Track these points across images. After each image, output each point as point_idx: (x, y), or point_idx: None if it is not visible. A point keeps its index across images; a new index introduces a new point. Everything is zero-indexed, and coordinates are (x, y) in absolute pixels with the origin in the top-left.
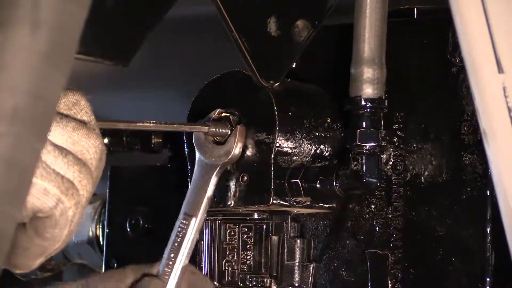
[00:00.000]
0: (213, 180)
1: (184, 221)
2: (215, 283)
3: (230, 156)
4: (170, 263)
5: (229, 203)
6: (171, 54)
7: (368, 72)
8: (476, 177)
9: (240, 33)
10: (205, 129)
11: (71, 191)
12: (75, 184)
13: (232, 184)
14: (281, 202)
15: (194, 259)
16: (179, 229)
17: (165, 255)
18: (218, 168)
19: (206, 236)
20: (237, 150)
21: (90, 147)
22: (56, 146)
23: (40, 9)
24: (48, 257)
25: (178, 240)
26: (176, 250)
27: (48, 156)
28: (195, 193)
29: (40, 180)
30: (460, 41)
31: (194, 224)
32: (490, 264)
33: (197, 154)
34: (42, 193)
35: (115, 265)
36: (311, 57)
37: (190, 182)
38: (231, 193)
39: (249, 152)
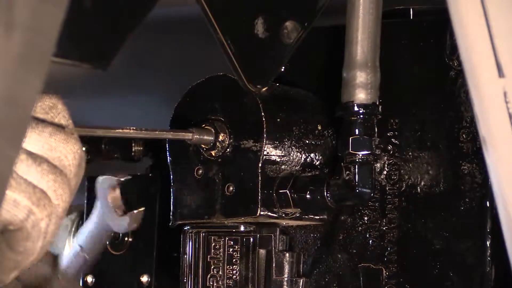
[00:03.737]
0: (106, 236)
1: (80, 253)
2: None
3: (121, 231)
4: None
5: (214, 215)
6: (153, 57)
7: (361, 76)
8: (475, 187)
9: (226, 35)
10: (189, 136)
11: (43, 202)
12: (48, 194)
13: (217, 195)
14: (269, 213)
15: (177, 273)
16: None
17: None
18: (107, 234)
19: (189, 250)
20: (128, 230)
21: (69, 153)
22: (30, 154)
23: (14, 9)
24: (23, 270)
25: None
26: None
27: (21, 165)
28: (91, 232)
29: (10, 191)
30: (459, 43)
31: (85, 260)
32: (490, 279)
33: (99, 203)
34: (12, 205)
35: (93, 280)
36: (300, 60)
37: (172, 192)
38: (216, 204)
39: (235, 161)
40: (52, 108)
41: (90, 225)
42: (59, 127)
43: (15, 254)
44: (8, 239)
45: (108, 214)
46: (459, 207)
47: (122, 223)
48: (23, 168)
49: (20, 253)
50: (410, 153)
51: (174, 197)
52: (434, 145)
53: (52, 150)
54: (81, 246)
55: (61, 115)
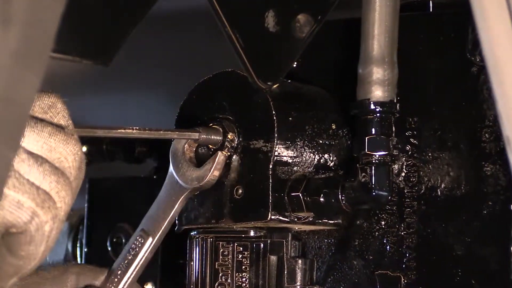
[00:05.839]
0: (180, 203)
1: (139, 239)
2: None
3: (202, 183)
4: (116, 279)
5: (222, 219)
6: (157, 52)
7: (377, 73)
8: (499, 190)
9: (235, 29)
10: (195, 135)
11: (47, 204)
12: (52, 196)
13: (225, 198)
14: (281, 218)
15: (183, 281)
16: (132, 246)
17: (112, 269)
18: (187, 192)
19: (196, 256)
20: (212, 178)
21: (69, 154)
22: (30, 154)
23: (11, 3)
24: (22, 276)
25: (129, 257)
26: (125, 268)
27: (22, 164)
28: (158, 210)
29: (13, 191)
30: (481, 37)
31: (150, 245)
32: None
33: (170, 167)
34: (15, 206)
35: None
36: (314, 55)
37: None
38: (224, 207)
39: (244, 162)
40: (51, 107)
41: (154, 205)
42: (59, 127)
43: (16, 258)
44: (10, 243)
45: (182, 169)
46: (481, 210)
47: (202, 172)
48: (25, 168)
49: (21, 257)
50: (429, 154)
51: None
52: (455, 145)
53: (51, 151)
54: (143, 230)
55: (60, 114)
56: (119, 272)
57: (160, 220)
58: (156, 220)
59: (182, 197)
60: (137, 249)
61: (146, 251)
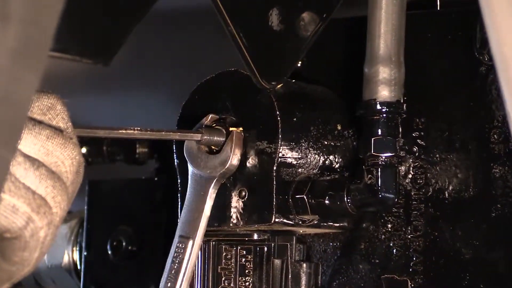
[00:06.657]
0: (210, 194)
1: (180, 245)
2: None
3: (227, 166)
4: None
5: (225, 222)
6: (159, 52)
7: (384, 72)
8: (508, 192)
9: (238, 27)
10: (197, 137)
11: (43, 209)
12: (48, 201)
13: (228, 201)
14: (285, 220)
15: None
16: (175, 255)
17: (161, 285)
18: (215, 181)
19: (198, 260)
20: (235, 158)
21: (66, 159)
22: (27, 157)
23: (9, 1)
24: (15, 282)
25: (175, 267)
26: (174, 278)
27: (18, 168)
28: (190, 212)
29: (8, 195)
30: (489, 36)
31: (192, 247)
32: None
33: (190, 168)
34: (11, 211)
35: None
36: (318, 54)
37: (180, 198)
38: (227, 210)
39: (248, 164)
40: (50, 109)
41: (184, 209)
42: (57, 130)
43: (9, 264)
44: (3, 248)
45: (203, 162)
46: (490, 213)
47: (224, 154)
48: (21, 171)
49: (15, 263)
50: (437, 155)
51: (181, 202)
52: (463, 147)
53: (48, 154)
54: (181, 236)
55: (59, 117)
56: (169, 284)
57: (195, 219)
58: (192, 221)
59: (211, 188)
60: (180, 256)
61: (191, 254)
